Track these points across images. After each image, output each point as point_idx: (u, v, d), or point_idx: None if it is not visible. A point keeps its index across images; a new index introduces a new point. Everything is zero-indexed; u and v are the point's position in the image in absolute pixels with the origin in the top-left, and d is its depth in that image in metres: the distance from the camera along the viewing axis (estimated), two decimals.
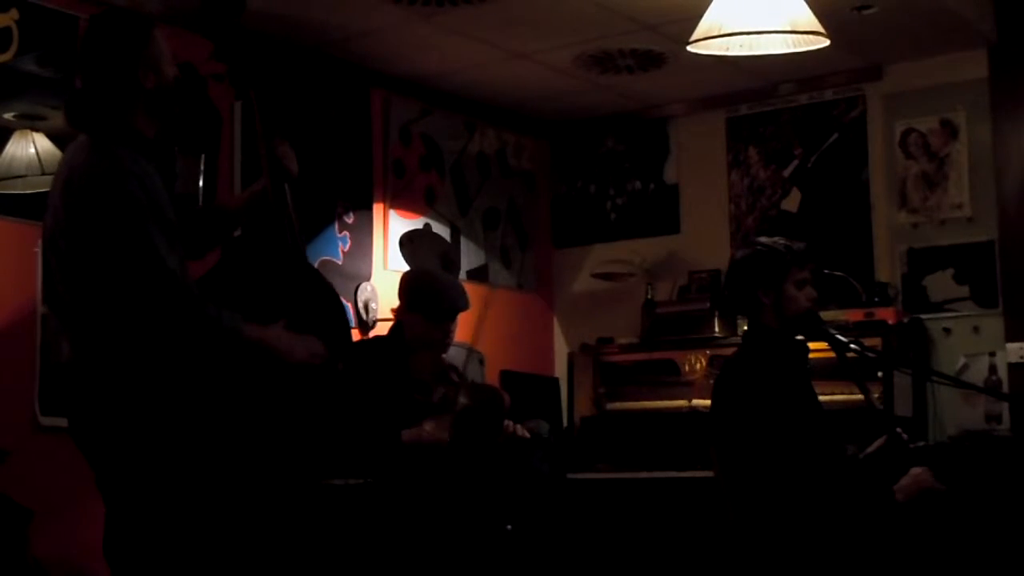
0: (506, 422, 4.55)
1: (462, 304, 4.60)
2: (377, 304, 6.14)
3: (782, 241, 3.85)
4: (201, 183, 5.33)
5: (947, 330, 6.08)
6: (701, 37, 4.68)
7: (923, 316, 6.08)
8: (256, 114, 3.39)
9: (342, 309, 3.59)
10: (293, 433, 3.35)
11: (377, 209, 6.28)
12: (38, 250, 4.28)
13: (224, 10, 3.35)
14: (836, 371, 4.22)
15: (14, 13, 4.80)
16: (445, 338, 4.58)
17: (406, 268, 6.05)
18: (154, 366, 3.05)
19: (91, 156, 3.07)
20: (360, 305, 6.07)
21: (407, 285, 4.67)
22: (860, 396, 4.00)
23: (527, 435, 4.55)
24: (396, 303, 5.57)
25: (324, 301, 3.46)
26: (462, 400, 4.47)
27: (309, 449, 3.46)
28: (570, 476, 6.12)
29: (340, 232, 6.06)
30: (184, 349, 3.06)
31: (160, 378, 3.05)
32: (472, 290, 4.87)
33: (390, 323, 4.86)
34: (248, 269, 3.40)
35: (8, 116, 4.79)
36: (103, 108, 3.13)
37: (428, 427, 4.32)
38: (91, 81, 3.17)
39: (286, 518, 3.38)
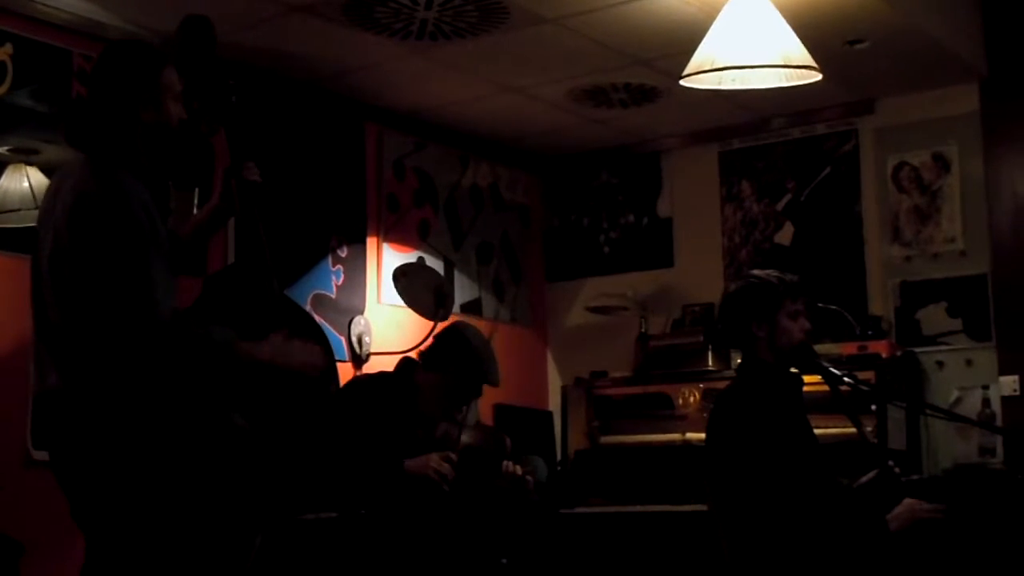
0: (505, 463, 4.53)
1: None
2: (371, 338, 6.12)
3: (775, 273, 3.86)
4: None
5: (940, 363, 6.07)
6: (694, 71, 4.70)
7: (916, 349, 6.08)
8: (227, 148, 3.43)
9: (326, 341, 3.58)
10: (279, 469, 3.34)
11: (371, 243, 6.28)
12: None
13: (192, 48, 3.40)
14: (830, 404, 4.21)
15: (8, 48, 4.82)
16: (462, 417, 4.54)
17: (399, 302, 6.01)
18: (143, 393, 3.04)
19: (97, 180, 3.09)
20: (354, 339, 6.06)
21: (457, 354, 4.52)
22: (853, 429, 3.99)
23: (530, 479, 4.53)
24: (389, 336, 5.57)
25: (307, 334, 3.45)
26: (464, 439, 4.46)
27: (294, 485, 3.45)
28: (563, 510, 6.10)
29: (334, 266, 6.06)
30: (173, 369, 3.05)
31: (148, 406, 3.04)
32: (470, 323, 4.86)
33: (395, 356, 4.81)
34: (229, 303, 3.40)
35: (2, 150, 4.80)
36: (103, 130, 3.16)
37: (433, 461, 4.30)
38: (94, 103, 3.22)
39: (265, 554, 3.37)
